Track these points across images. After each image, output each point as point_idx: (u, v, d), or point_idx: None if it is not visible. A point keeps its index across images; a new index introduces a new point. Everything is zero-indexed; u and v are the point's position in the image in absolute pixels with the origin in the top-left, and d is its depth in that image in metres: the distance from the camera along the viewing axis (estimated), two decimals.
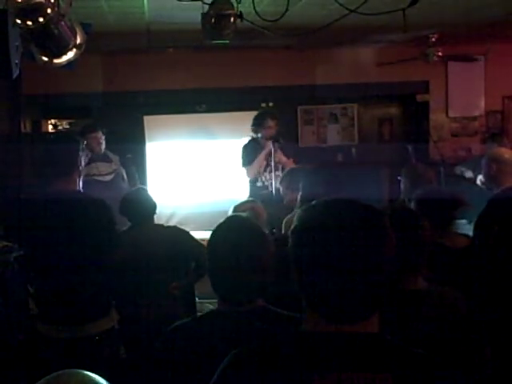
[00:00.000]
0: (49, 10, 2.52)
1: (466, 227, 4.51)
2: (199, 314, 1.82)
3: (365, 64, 7.04)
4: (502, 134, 6.45)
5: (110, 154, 5.47)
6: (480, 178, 5.34)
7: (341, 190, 3.31)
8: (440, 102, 7.43)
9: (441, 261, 2.43)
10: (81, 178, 3.02)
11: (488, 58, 6.89)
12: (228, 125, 7.01)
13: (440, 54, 6.09)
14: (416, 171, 3.81)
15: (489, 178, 3.59)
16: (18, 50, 2.60)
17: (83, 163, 3.05)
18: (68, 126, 7.00)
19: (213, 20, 3.36)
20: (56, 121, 6.96)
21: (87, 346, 2.84)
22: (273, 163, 5.20)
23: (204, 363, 1.67)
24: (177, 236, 3.57)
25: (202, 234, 3.98)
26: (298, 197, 3.49)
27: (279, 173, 5.10)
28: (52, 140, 3.14)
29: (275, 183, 5.05)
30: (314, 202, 1.25)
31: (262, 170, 5.39)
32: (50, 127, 6.98)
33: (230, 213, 3.73)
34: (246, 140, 5.60)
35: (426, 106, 7.45)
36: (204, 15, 3.44)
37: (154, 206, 3.59)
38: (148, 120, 7.01)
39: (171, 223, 6.70)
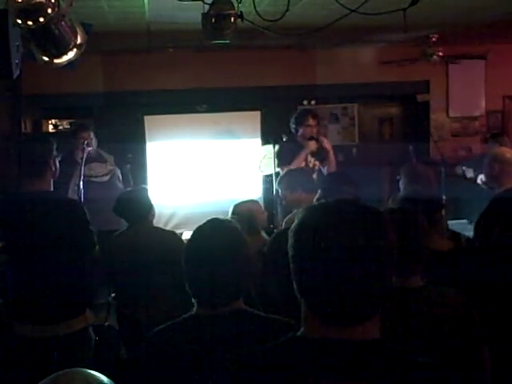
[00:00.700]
0: (49, 10, 2.52)
1: (466, 227, 4.52)
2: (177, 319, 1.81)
3: (365, 64, 7.04)
4: (503, 134, 6.45)
5: (105, 154, 5.46)
6: (481, 178, 5.33)
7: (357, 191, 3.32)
8: (440, 102, 7.43)
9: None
10: (55, 179, 3.02)
11: (488, 58, 6.89)
12: (228, 125, 7.02)
13: (440, 53, 6.10)
14: (415, 170, 3.81)
15: (491, 177, 3.58)
16: (19, 49, 2.61)
17: (57, 164, 3.04)
18: (68, 126, 7.00)
19: (213, 20, 3.36)
20: (56, 121, 6.97)
21: (60, 346, 2.85)
22: (311, 163, 5.06)
23: (182, 368, 1.68)
24: (169, 240, 3.55)
25: None
26: (315, 197, 3.51)
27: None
28: (25, 141, 3.15)
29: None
30: (315, 203, 1.25)
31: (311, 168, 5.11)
32: (51, 127, 6.98)
33: (230, 212, 3.74)
34: (284, 139, 5.43)
35: (426, 105, 7.45)
36: (204, 15, 3.44)
37: (148, 207, 3.57)
38: (148, 120, 7.01)
39: (171, 223, 6.73)
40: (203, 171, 6.99)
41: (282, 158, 5.17)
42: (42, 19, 2.52)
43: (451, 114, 7.47)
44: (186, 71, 6.79)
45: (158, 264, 3.37)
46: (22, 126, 6.30)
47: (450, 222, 4.56)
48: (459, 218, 5.01)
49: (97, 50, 5.95)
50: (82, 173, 5.06)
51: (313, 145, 5.12)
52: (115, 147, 5.56)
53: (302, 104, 7.31)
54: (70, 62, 3.24)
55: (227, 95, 6.92)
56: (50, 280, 2.85)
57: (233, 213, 3.66)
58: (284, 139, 5.40)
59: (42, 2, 2.48)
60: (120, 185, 5.38)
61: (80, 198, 4.84)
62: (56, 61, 3.21)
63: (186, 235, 5.73)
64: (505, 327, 2.43)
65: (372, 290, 1.14)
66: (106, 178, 5.36)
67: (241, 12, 3.35)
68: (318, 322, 1.16)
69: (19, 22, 2.50)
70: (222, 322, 1.72)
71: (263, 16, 3.28)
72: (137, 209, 3.51)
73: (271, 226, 4.95)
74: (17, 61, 2.56)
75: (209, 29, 3.45)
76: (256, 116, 7.08)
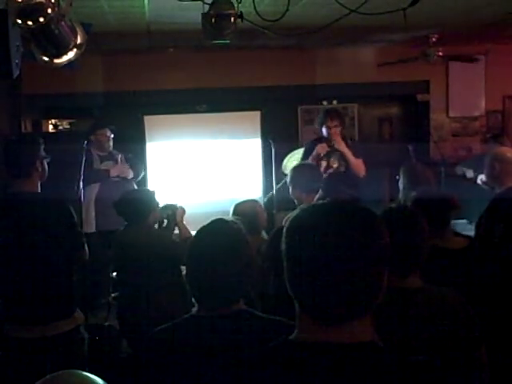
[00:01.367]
0: (49, 10, 2.52)
1: (466, 227, 4.51)
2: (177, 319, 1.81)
3: (365, 64, 7.04)
4: (503, 134, 6.45)
5: (115, 153, 5.48)
6: (481, 178, 5.33)
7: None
8: (440, 102, 7.43)
9: (435, 262, 2.43)
10: (43, 179, 3.00)
11: (488, 57, 6.89)
12: (228, 125, 7.02)
13: (440, 53, 6.09)
14: (414, 170, 3.82)
15: (492, 177, 3.59)
16: (19, 49, 2.60)
17: (46, 165, 3.02)
18: (68, 126, 7.00)
19: (213, 20, 3.36)
20: (56, 121, 6.96)
21: (49, 347, 2.85)
22: (323, 166, 4.97)
23: (182, 368, 1.68)
24: (164, 241, 3.55)
25: None
26: (316, 197, 3.51)
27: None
28: (11, 142, 3.13)
29: None
30: (310, 204, 1.26)
31: (322, 171, 4.92)
32: (51, 127, 6.97)
33: (231, 212, 3.74)
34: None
35: (426, 105, 7.45)
36: (204, 15, 3.44)
37: (149, 208, 3.56)
38: (148, 120, 7.01)
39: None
40: (203, 171, 6.99)
41: (303, 159, 5.14)
42: (41, 19, 2.52)
43: (451, 114, 7.47)
44: (186, 71, 6.79)
45: (154, 264, 3.38)
46: (22, 126, 6.30)
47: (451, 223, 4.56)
48: (459, 218, 5.01)
49: (97, 50, 5.95)
50: (95, 170, 5.13)
51: (321, 148, 5.04)
52: (115, 147, 5.56)
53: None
54: (70, 62, 3.24)
55: (227, 95, 6.91)
56: (36, 281, 2.84)
57: (235, 213, 3.66)
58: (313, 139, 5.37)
59: (41, 2, 2.48)
60: (129, 185, 5.39)
61: (80, 198, 4.85)
62: (56, 61, 3.21)
63: None
64: (506, 328, 2.43)
65: (362, 290, 1.14)
66: (115, 178, 5.37)
67: (241, 12, 3.35)
68: (310, 322, 1.17)
69: (19, 21, 2.50)
70: (223, 323, 1.72)
71: (263, 16, 3.28)
72: (136, 209, 3.51)
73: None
74: (17, 61, 2.56)
75: (209, 29, 3.45)
76: (256, 116, 7.08)
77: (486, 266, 2.51)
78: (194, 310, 1.80)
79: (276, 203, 5.32)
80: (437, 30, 5.82)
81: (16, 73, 2.57)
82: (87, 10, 4.19)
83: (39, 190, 2.99)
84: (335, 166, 5.08)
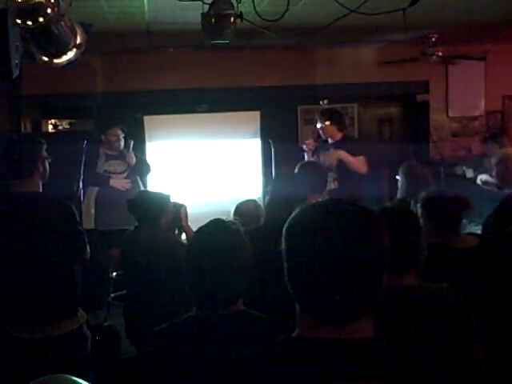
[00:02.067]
0: (49, 10, 2.52)
1: (466, 227, 4.51)
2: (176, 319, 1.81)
3: (365, 64, 7.04)
4: (502, 134, 6.45)
5: (125, 152, 5.48)
6: (480, 178, 5.34)
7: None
8: (440, 102, 7.43)
9: (446, 262, 2.43)
10: (44, 179, 3.00)
11: (488, 58, 6.89)
12: (228, 125, 7.01)
13: (440, 53, 6.09)
14: (413, 170, 3.82)
15: (500, 177, 3.60)
16: (18, 50, 2.60)
17: (47, 165, 3.02)
18: (68, 126, 7.00)
19: (213, 20, 3.36)
20: (56, 121, 6.96)
21: (53, 347, 2.84)
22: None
23: (181, 368, 1.68)
24: (174, 244, 3.54)
25: None
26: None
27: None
28: (13, 142, 3.12)
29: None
30: (308, 203, 1.25)
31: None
32: (50, 127, 6.97)
33: (232, 212, 3.73)
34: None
35: (426, 105, 7.45)
36: (204, 15, 3.44)
37: (160, 211, 3.53)
38: (148, 120, 7.00)
39: None
40: (203, 171, 6.99)
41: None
42: (41, 19, 2.52)
43: (451, 114, 7.47)
44: (186, 71, 6.79)
45: (163, 266, 3.37)
46: (22, 126, 6.30)
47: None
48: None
49: (97, 50, 5.95)
50: (99, 168, 5.14)
51: (309, 144, 5.14)
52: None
53: (301, 104, 7.33)
54: (69, 63, 3.25)
55: (227, 95, 6.91)
56: (40, 281, 2.83)
57: (236, 213, 3.65)
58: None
59: (41, 2, 2.48)
60: (138, 183, 5.40)
61: (80, 198, 4.85)
62: (55, 61, 3.22)
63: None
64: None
65: (363, 290, 1.14)
66: (124, 176, 5.37)
67: (240, 12, 3.35)
68: (312, 322, 1.16)
69: (19, 21, 2.50)
70: (222, 324, 1.72)
71: (263, 16, 3.28)
72: (148, 210, 3.49)
73: None
74: (16, 61, 2.56)
75: (208, 29, 3.45)
76: (256, 116, 7.08)
77: (495, 266, 2.51)
78: (193, 310, 1.80)
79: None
80: (437, 30, 5.82)
81: (16, 73, 2.57)
82: (87, 10, 4.19)
83: (41, 190, 2.98)
84: (327, 163, 5.04)
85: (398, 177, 3.91)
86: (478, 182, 5.35)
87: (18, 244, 2.82)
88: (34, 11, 2.49)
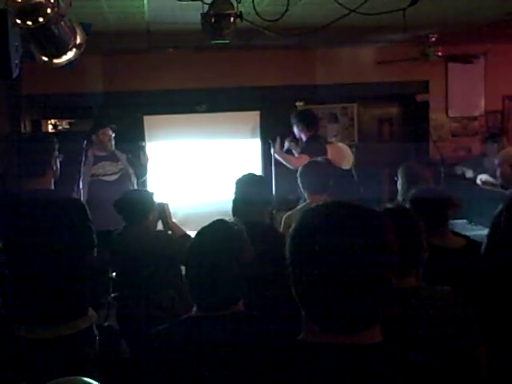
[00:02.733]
0: (49, 10, 2.52)
1: (466, 227, 4.52)
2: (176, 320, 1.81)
3: (365, 64, 7.04)
4: (501, 134, 6.46)
5: (118, 153, 5.47)
6: (480, 178, 5.34)
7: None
8: (440, 102, 7.43)
9: (432, 261, 2.42)
10: (55, 178, 3.02)
11: (488, 58, 6.90)
12: (228, 125, 7.01)
13: (440, 53, 6.10)
14: (412, 170, 3.81)
15: (504, 177, 3.60)
16: (18, 50, 2.61)
17: (59, 164, 3.04)
18: (68, 126, 7.00)
19: (213, 20, 3.36)
20: (56, 121, 6.96)
21: (64, 347, 2.84)
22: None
23: (180, 369, 1.68)
24: (164, 241, 3.56)
25: None
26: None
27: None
28: (26, 140, 3.14)
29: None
30: (312, 206, 1.21)
31: None
32: (50, 127, 6.97)
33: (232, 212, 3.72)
34: None
35: (425, 105, 7.45)
36: (204, 15, 3.44)
37: (148, 209, 3.56)
38: (148, 120, 7.01)
39: None
40: (203, 171, 6.99)
41: None
42: (41, 19, 2.52)
43: (451, 114, 7.47)
44: (186, 71, 6.79)
45: (154, 264, 3.38)
46: (22, 125, 6.30)
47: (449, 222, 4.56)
48: (458, 218, 5.02)
49: (96, 50, 5.95)
50: (86, 172, 5.11)
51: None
52: (115, 147, 5.55)
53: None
54: (69, 63, 3.24)
55: (227, 95, 6.91)
56: (52, 280, 2.84)
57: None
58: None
59: (41, 2, 2.48)
60: (130, 184, 5.38)
61: (80, 197, 4.85)
62: (55, 61, 3.22)
63: None
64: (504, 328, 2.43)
65: (373, 297, 1.11)
66: (114, 177, 5.36)
67: (240, 12, 3.35)
68: (318, 329, 1.13)
69: (19, 22, 2.50)
70: (221, 324, 1.72)
71: (263, 16, 3.28)
72: (135, 209, 3.51)
73: None
74: (16, 61, 2.57)
75: (208, 29, 3.45)
76: (255, 116, 7.08)
77: (495, 266, 2.50)
78: (193, 310, 1.80)
79: (276, 203, 5.32)
80: (436, 30, 5.82)
81: (16, 73, 2.57)
82: (87, 10, 4.19)
83: (53, 188, 3.00)
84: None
85: (396, 178, 3.89)
86: (478, 182, 5.36)
87: (31, 242, 2.83)
88: (34, 11, 2.49)
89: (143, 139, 6.92)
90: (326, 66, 6.99)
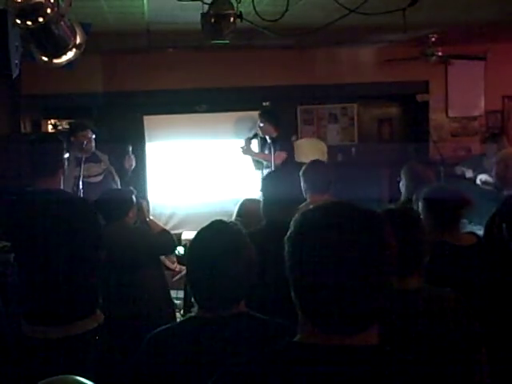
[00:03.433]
0: (49, 10, 2.52)
1: (466, 227, 4.51)
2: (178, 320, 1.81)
3: (365, 64, 7.04)
4: (501, 134, 6.45)
5: (99, 154, 5.44)
6: (480, 178, 5.34)
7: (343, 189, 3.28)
8: (440, 102, 7.43)
9: (446, 258, 2.44)
10: (64, 178, 3.03)
11: (488, 58, 6.90)
12: (228, 125, 7.02)
13: (440, 53, 6.10)
14: (415, 171, 3.81)
15: (499, 177, 3.60)
16: (18, 50, 2.61)
17: (67, 163, 3.05)
18: (68, 126, 6.99)
19: (213, 20, 3.36)
20: (56, 121, 6.96)
21: (72, 346, 2.84)
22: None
23: (181, 370, 1.67)
24: (143, 235, 3.59)
25: None
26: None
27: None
28: (36, 140, 3.14)
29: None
30: (311, 207, 1.20)
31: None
32: (50, 127, 6.97)
33: (235, 212, 3.72)
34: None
35: (425, 105, 7.45)
36: (204, 15, 3.44)
37: (127, 206, 3.59)
38: (148, 120, 7.01)
39: (171, 223, 6.73)
40: (203, 171, 6.99)
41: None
42: (41, 19, 2.52)
43: (450, 114, 7.47)
44: (186, 71, 6.79)
45: (137, 259, 3.41)
46: (22, 125, 6.30)
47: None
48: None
49: (96, 50, 5.94)
50: (78, 174, 5.09)
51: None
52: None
53: (301, 104, 7.37)
54: (68, 63, 3.25)
55: (227, 95, 6.92)
56: (63, 279, 2.84)
57: (240, 213, 3.63)
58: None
59: (41, 2, 2.48)
60: (114, 184, 5.36)
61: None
62: (55, 61, 3.22)
63: (186, 235, 5.74)
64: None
65: (373, 299, 1.10)
66: (99, 178, 5.35)
67: (240, 12, 3.35)
68: (316, 330, 1.13)
69: (19, 21, 2.50)
70: (223, 325, 1.71)
71: (262, 16, 3.28)
72: (115, 207, 3.54)
73: None
74: (16, 61, 2.57)
75: (208, 29, 3.45)
76: (256, 116, 7.08)
77: (496, 265, 2.51)
78: (194, 311, 1.80)
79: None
80: (436, 30, 5.82)
81: (15, 73, 2.57)
82: (86, 10, 4.19)
83: (62, 188, 3.01)
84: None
85: (399, 179, 3.89)
86: (478, 182, 5.36)
87: (42, 241, 2.82)
88: (34, 11, 2.49)
89: (143, 139, 6.93)
90: (326, 66, 6.99)
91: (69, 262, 2.84)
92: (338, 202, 1.21)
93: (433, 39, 6.01)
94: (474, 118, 7.52)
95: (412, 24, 3.86)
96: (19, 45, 2.62)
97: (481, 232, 2.98)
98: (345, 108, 7.55)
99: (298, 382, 1.10)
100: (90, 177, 5.23)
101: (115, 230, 3.48)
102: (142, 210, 3.76)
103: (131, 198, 3.65)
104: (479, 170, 5.69)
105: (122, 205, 3.59)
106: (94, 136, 5.27)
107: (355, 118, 7.60)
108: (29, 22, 2.52)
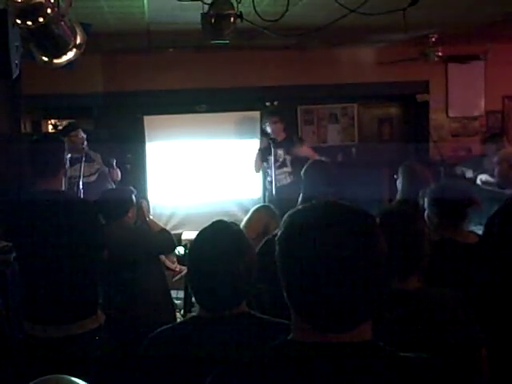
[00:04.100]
0: (49, 10, 2.52)
1: (467, 226, 4.51)
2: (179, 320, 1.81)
3: (365, 64, 7.04)
4: (501, 134, 6.45)
5: (92, 153, 5.45)
6: (480, 178, 5.33)
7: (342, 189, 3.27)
8: (440, 102, 7.43)
9: (452, 256, 2.45)
10: (66, 178, 3.04)
11: (488, 58, 6.89)
12: (228, 125, 7.02)
13: (440, 53, 6.10)
14: (412, 170, 3.81)
15: (502, 176, 3.60)
16: (18, 50, 2.61)
17: (68, 163, 3.06)
18: None
19: (213, 20, 3.36)
20: (56, 121, 6.96)
21: (73, 346, 2.84)
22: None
23: (183, 370, 1.67)
24: (143, 234, 3.59)
25: None
26: (300, 196, 3.46)
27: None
28: (38, 140, 3.15)
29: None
30: (300, 206, 1.21)
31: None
32: (50, 127, 6.97)
33: (245, 217, 3.71)
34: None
35: (426, 105, 7.45)
36: (204, 15, 3.44)
37: (127, 205, 3.60)
38: (148, 120, 7.01)
39: (171, 223, 6.73)
40: (203, 171, 6.99)
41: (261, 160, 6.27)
42: (41, 19, 2.52)
43: (451, 114, 7.47)
44: (186, 71, 6.80)
45: (137, 258, 3.41)
46: (22, 126, 6.30)
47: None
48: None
49: (96, 50, 5.95)
50: (78, 174, 5.10)
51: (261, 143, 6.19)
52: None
53: (301, 104, 7.36)
54: (68, 63, 3.25)
55: (227, 95, 6.92)
56: (64, 279, 2.84)
57: (250, 219, 3.63)
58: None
59: (41, 2, 2.48)
60: (107, 184, 5.37)
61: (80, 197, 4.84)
62: (55, 61, 3.22)
63: (186, 235, 5.74)
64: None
65: (363, 297, 1.11)
66: (92, 178, 5.36)
67: (240, 12, 3.35)
68: (308, 328, 1.14)
69: (19, 22, 2.50)
70: (225, 325, 1.71)
71: (263, 16, 3.28)
72: (115, 206, 3.55)
73: None
74: (16, 61, 2.57)
75: (208, 29, 3.45)
76: (256, 116, 7.09)
77: (496, 264, 2.51)
78: (196, 311, 1.80)
79: (276, 203, 5.32)
80: (436, 30, 5.82)
81: (16, 73, 2.57)
82: (87, 10, 4.19)
83: (63, 189, 3.01)
84: (281, 158, 5.99)
85: (396, 177, 3.89)
86: (478, 182, 5.35)
87: (45, 242, 2.83)
88: (34, 11, 2.49)
89: (143, 139, 6.94)
90: (326, 67, 6.99)
91: (70, 262, 2.84)
92: (327, 201, 1.21)
93: (433, 39, 6.01)
94: (474, 118, 7.52)
95: (412, 24, 3.86)
96: (19, 45, 2.62)
97: (481, 232, 2.99)
98: (345, 108, 7.56)
99: (292, 379, 1.11)
100: (84, 177, 5.24)
101: (115, 229, 3.48)
102: (141, 209, 3.76)
103: (131, 198, 3.66)
104: (479, 170, 5.69)
105: (122, 204, 3.59)
106: (85, 136, 5.28)
107: (355, 118, 7.60)
108: (29, 22, 2.52)
